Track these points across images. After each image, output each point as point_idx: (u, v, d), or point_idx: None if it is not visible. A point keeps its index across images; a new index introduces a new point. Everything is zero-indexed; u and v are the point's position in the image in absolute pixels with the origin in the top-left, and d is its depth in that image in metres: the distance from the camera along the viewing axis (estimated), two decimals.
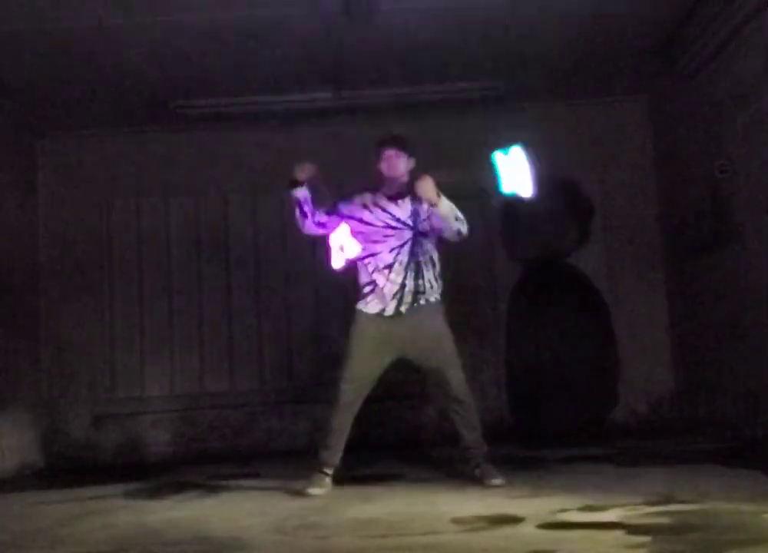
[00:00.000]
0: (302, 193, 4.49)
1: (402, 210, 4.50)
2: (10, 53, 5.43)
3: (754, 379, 5.30)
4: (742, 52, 5.24)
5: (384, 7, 5.09)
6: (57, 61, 5.62)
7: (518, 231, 7.00)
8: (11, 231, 6.50)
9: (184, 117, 6.64)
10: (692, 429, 6.25)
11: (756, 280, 5.21)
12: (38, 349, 6.83)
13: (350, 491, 4.39)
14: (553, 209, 6.94)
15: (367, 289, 4.51)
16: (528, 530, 3.14)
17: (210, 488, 4.86)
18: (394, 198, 4.52)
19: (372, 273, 4.49)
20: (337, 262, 4.65)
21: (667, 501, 3.52)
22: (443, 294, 4.58)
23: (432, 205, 4.30)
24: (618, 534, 2.96)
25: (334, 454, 4.48)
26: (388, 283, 4.44)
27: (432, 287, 4.50)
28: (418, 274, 4.46)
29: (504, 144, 4.54)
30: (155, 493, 4.78)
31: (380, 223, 4.49)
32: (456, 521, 3.39)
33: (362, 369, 4.44)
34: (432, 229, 4.48)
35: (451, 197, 4.37)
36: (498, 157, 4.54)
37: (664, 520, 3.17)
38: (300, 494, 4.34)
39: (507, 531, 3.17)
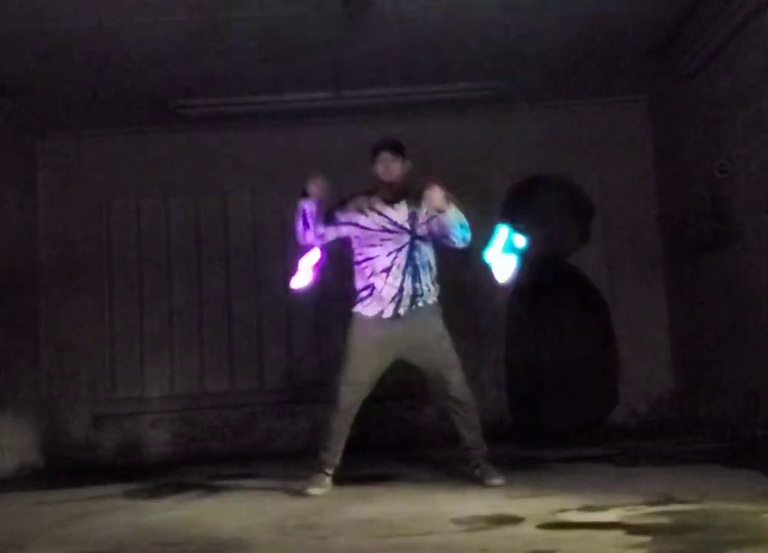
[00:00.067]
0: (309, 205, 4.46)
1: (399, 213, 4.49)
2: (10, 53, 5.44)
3: (754, 379, 5.30)
4: (742, 52, 5.24)
5: (384, 7, 5.09)
6: (58, 61, 5.62)
7: (518, 231, 6.99)
8: (11, 231, 6.50)
9: (184, 117, 6.64)
10: (692, 429, 6.26)
11: (756, 280, 5.21)
12: (38, 349, 6.84)
13: (350, 491, 4.39)
14: (553, 209, 6.96)
15: (365, 293, 4.50)
16: (527, 530, 3.14)
17: (210, 488, 4.86)
18: (390, 202, 4.51)
19: (370, 276, 4.47)
20: (298, 282, 4.52)
21: (667, 501, 3.52)
22: (441, 297, 4.57)
23: (441, 212, 4.31)
24: (618, 534, 2.95)
25: (334, 455, 4.48)
26: (387, 287, 4.43)
27: (429, 290, 4.50)
28: (416, 278, 4.45)
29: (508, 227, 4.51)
30: (155, 493, 4.78)
31: (377, 227, 4.48)
32: (456, 521, 3.38)
33: (360, 372, 4.43)
34: (433, 234, 4.48)
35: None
36: (501, 232, 4.49)
37: (664, 520, 3.16)
38: (300, 494, 4.34)
39: (507, 531, 3.17)
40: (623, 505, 3.44)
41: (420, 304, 4.47)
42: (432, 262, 4.55)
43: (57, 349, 6.90)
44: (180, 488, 4.96)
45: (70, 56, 5.55)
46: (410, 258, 4.45)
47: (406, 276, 4.44)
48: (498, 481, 4.30)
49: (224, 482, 5.05)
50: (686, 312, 6.53)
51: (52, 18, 5.02)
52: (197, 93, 6.34)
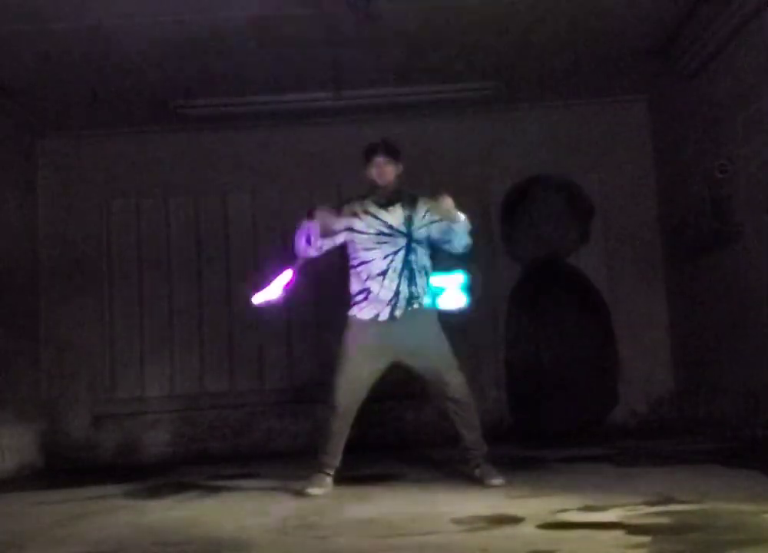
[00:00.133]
0: (313, 225, 4.39)
1: (394, 216, 4.47)
2: (10, 53, 5.44)
3: (754, 379, 5.30)
4: (742, 52, 5.24)
5: (384, 7, 5.09)
6: (58, 61, 5.62)
7: (518, 231, 7.00)
8: (11, 231, 6.50)
9: (184, 117, 6.64)
10: (692, 429, 6.25)
11: (756, 280, 5.21)
12: (38, 349, 6.83)
13: (350, 491, 4.39)
14: (553, 209, 6.96)
15: (360, 296, 4.48)
16: (527, 530, 3.14)
17: (210, 488, 4.86)
18: (385, 205, 4.49)
19: (366, 280, 4.45)
20: (263, 298, 4.46)
21: (667, 501, 3.51)
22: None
23: (452, 221, 4.32)
24: (618, 534, 2.95)
25: (334, 457, 4.47)
26: (383, 290, 4.41)
27: (425, 293, 4.49)
28: (412, 281, 4.43)
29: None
30: (155, 493, 4.78)
31: (372, 231, 4.45)
32: (456, 521, 3.38)
33: (357, 375, 4.41)
34: (432, 239, 4.49)
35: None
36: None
37: (664, 520, 3.16)
38: (300, 494, 4.34)
39: (507, 531, 3.17)
40: (623, 505, 3.44)
41: (416, 306, 4.45)
42: (428, 265, 4.54)
43: (57, 349, 6.90)
44: (180, 488, 4.95)
45: (70, 56, 5.55)
46: (406, 261, 4.43)
47: (402, 279, 4.42)
48: (498, 481, 4.29)
49: (224, 482, 5.05)
50: (686, 312, 6.53)
51: (52, 19, 5.02)
52: (197, 93, 6.35)
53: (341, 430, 4.46)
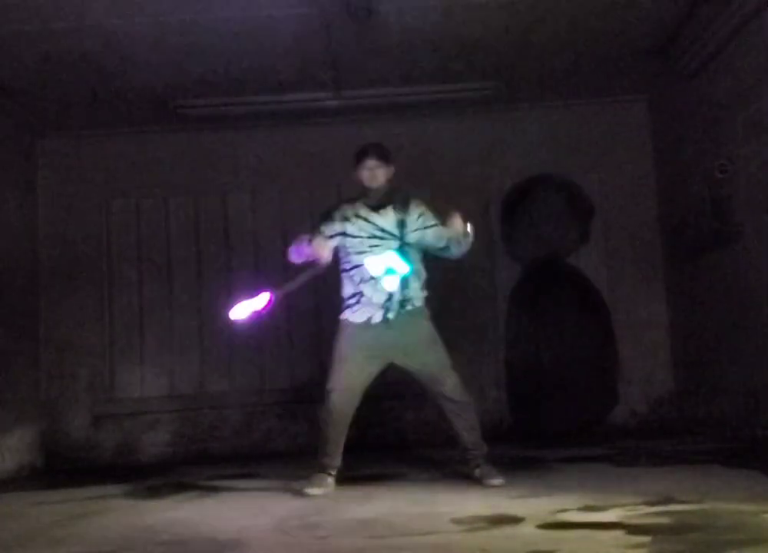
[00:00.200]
0: (308, 243, 4.33)
1: (386, 219, 4.47)
2: (10, 53, 5.43)
3: (754, 379, 5.30)
4: (742, 52, 5.24)
5: (383, 7, 5.09)
6: (58, 61, 5.62)
7: (518, 231, 7.00)
8: (11, 231, 6.49)
9: (184, 117, 6.64)
10: (692, 429, 6.26)
11: (756, 280, 5.21)
12: (38, 349, 6.83)
13: (350, 491, 4.39)
14: (553, 209, 6.96)
15: (353, 300, 4.47)
16: (527, 530, 3.14)
17: (210, 488, 4.86)
18: (376, 208, 4.49)
19: (359, 283, 4.44)
20: (237, 315, 4.37)
21: (667, 501, 3.52)
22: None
23: (462, 236, 4.32)
24: (618, 534, 2.95)
25: (334, 458, 4.48)
26: (377, 293, 4.40)
27: (418, 295, 4.49)
28: (406, 283, 4.42)
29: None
30: (155, 493, 4.78)
31: (364, 234, 4.45)
32: (456, 521, 3.38)
33: (351, 379, 4.41)
34: (426, 243, 4.48)
35: None
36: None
37: (664, 520, 3.16)
38: (300, 494, 4.34)
39: (507, 531, 3.17)
40: (623, 505, 3.44)
41: (409, 307, 4.45)
42: (421, 267, 4.53)
43: (57, 349, 6.90)
44: (180, 488, 4.95)
45: (70, 56, 5.55)
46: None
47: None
48: (498, 481, 4.29)
49: (224, 482, 5.05)
50: (686, 312, 6.53)
51: (52, 19, 5.01)
52: (197, 93, 6.34)
53: (338, 432, 4.46)
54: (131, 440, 6.86)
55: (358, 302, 4.45)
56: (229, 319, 4.41)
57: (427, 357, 4.44)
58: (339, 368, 4.42)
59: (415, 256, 4.50)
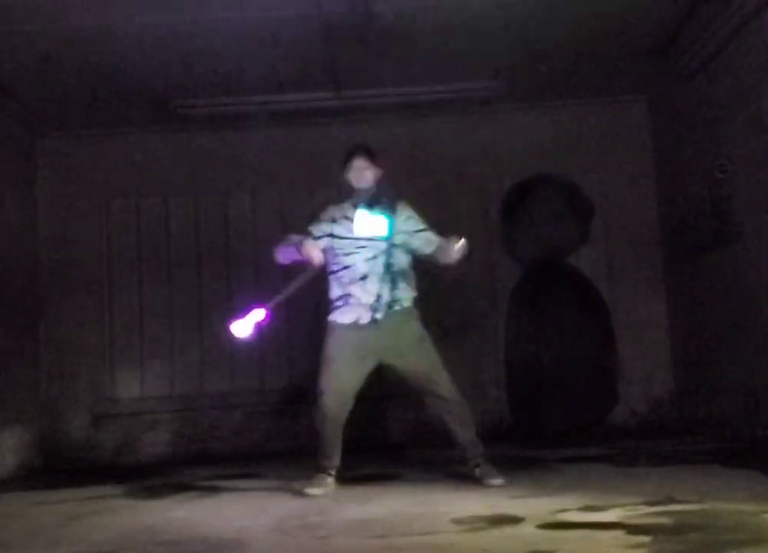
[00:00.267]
0: (298, 246, 4.35)
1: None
2: (10, 53, 5.43)
3: (754, 379, 5.30)
4: (742, 52, 5.24)
5: (383, 7, 5.09)
6: (58, 61, 5.62)
7: (518, 231, 7.00)
8: (11, 231, 6.49)
9: (184, 117, 6.64)
10: (692, 429, 6.26)
11: (756, 280, 5.21)
12: (38, 349, 6.83)
13: (350, 491, 4.39)
14: (553, 209, 6.96)
15: (341, 301, 4.46)
16: (527, 530, 3.14)
17: (210, 488, 4.86)
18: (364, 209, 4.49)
19: (348, 285, 4.43)
20: (239, 331, 4.39)
21: (667, 501, 3.52)
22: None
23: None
24: (618, 534, 2.95)
25: (333, 458, 4.48)
26: (365, 294, 4.39)
27: (406, 296, 4.48)
28: (394, 284, 4.41)
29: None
30: (155, 493, 4.78)
31: (352, 235, 4.44)
32: (456, 521, 3.38)
33: (341, 381, 4.40)
34: (414, 247, 4.47)
35: None
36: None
37: (664, 520, 3.16)
38: (300, 494, 4.34)
39: (507, 531, 3.17)
40: (623, 505, 3.44)
41: (397, 308, 4.43)
42: (409, 268, 4.52)
43: (57, 349, 6.90)
44: (180, 488, 4.95)
45: (70, 56, 5.55)
46: (387, 265, 4.41)
47: (383, 283, 4.40)
48: (497, 481, 4.29)
49: (224, 482, 5.04)
50: (686, 313, 6.53)
51: (52, 19, 5.02)
52: (197, 93, 6.34)
53: (334, 433, 4.45)
54: (131, 440, 6.86)
55: (346, 303, 4.44)
56: (230, 333, 4.43)
57: (417, 357, 4.43)
58: (329, 370, 4.41)
59: (403, 257, 4.49)
